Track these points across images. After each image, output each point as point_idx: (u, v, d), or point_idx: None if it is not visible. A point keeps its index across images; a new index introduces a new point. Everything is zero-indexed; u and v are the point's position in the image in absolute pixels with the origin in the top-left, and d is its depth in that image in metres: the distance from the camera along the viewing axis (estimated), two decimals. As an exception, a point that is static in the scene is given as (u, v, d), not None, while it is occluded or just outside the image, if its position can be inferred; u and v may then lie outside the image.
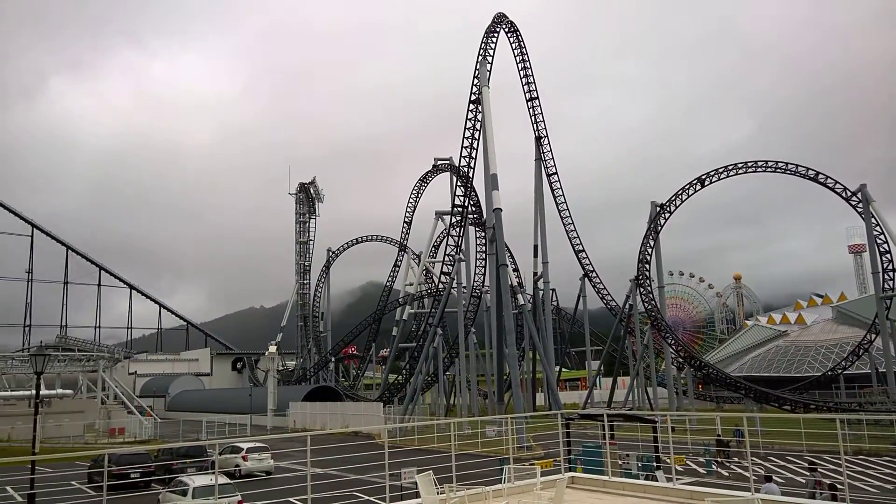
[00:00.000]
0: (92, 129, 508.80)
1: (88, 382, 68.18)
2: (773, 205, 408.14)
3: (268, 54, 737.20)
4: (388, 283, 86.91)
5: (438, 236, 79.02)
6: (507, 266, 48.03)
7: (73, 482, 27.70)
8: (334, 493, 21.22)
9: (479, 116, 51.49)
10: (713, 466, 27.34)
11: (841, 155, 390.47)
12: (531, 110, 61.23)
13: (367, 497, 21.00)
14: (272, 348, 71.68)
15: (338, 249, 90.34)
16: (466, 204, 54.83)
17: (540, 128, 61.28)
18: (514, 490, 11.74)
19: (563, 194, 63.35)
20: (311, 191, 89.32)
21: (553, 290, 66.46)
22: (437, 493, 10.94)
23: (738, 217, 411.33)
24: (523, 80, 60.79)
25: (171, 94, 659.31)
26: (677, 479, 12.49)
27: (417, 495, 11.17)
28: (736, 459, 29.14)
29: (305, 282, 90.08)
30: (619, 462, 18.98)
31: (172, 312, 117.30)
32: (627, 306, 58.78)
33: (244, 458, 29.23)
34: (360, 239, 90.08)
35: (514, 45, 60.22)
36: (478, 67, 52.86)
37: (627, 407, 56.77)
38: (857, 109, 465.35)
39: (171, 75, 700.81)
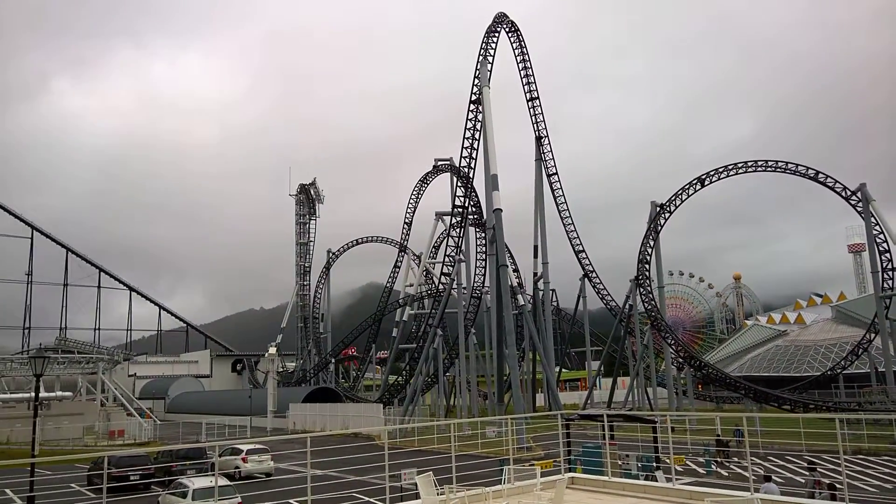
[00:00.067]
0: (92, 130, 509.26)
1: (88, 384, 68.15)
2: (773, 204, 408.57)
3: (269, 56, 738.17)
4: (388, 284, 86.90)
5: (438, 237, 79.03)
6: (508, 266, 48.03)
7: (72, 484, 27.69)
8: (334, 494, 21.22)
9: (480, 117, 51.50)
10: (713, 466, 27.34)
11: (840, 154, 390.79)
12: (531, 110, 61.28)
13: (367, 498, 21.00)
14: (272, 350, 71.68)
15: (338, 251, 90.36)
16: (467, 204, 54.84)
17: (540, 128, 61.33)
18: (514, 491, 11.74)
19: (564, 194, 63.44)
20: (312, 192, 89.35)
21: (553, 290, 66.57)
22: (438, 494, 10.93)
23: (737, 217, 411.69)
24: (524, 80, 60.85)
25: (172, 95, 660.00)
26: (677, 479, 12.49)
27: (417, 496, 11.16)
28: (735, 459, 29.14)
29: (305, 283, 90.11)
30: (619, 462, 18.99)
31: (172, 314, 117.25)
32: (627, 306, 58.79)
33: (244, 460, 29.22)
34: (360, 240, 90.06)
35: (514, 45, 60.27)
36: (478, 68, 52.89)
37: (627, 407, 56.77)
38: (857, 108, 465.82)
39: (172, 77, 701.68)
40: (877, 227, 48.55)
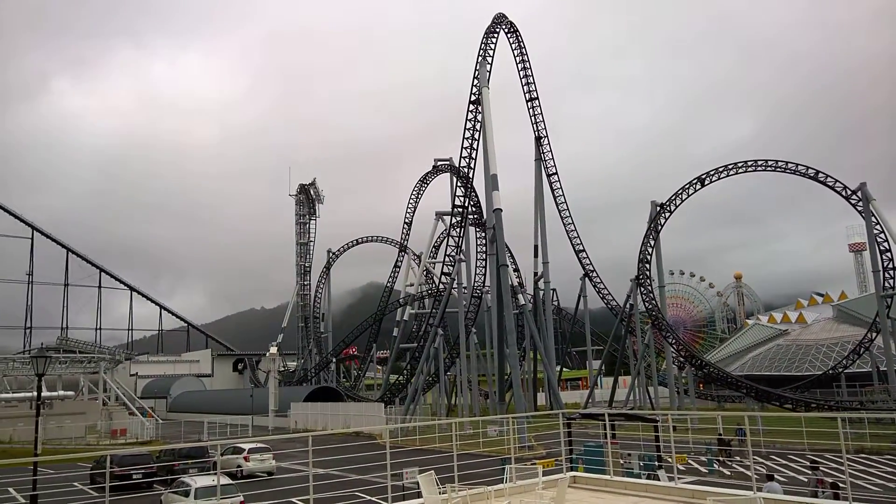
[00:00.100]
0: (92, 130, 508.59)
1: (90, 384, 68.23)
2: (773, 204, 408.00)
3: (269, 56, 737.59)
4: (388, 284, 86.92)
5: (439, 237, 79.07)
6: (508, 266, 48.07)
7: (75, 483, 27.73)
8: (336, 493, 21.22)
9: (479, 117, 51.52)
10: (715, 465, 27.35)
11: (840, 154, 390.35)
12: (531, 111, 61.29)
13: (369, 497, 21.02)
14: (273, 349, 71.74)
15: (338, 250, 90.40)
16: (467, 204, 54.86)
17: (540, 128, 61.35)
18: (515, 490, 11.75)
19: (564, 194, 63.46)
20: (312, 192, 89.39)
21: (554, 289, 66.57)
22: (439, 493, 10.95)
23: (738, 216, 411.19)
24: (523, 80, 60.86)
25: (172, 95, 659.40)
26: (679, 478, 12.50)
27: (419, 495, 11.19)
28: (738, 458, 29.15)
29: (306, 283, 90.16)
30: (621, 461, 19.00)
31: (173, 314, 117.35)
32: (628, 306, 58.80)
33: (246, 459, 29.25)
34: (360, 240, 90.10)
35: (513, 46, 60.29)
36: (477, 68, 52.90)
37: (629, 406, 56.78)
38: (857, 108, 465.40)
39: (172, 77, 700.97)
40: (877, 227, 48.55)
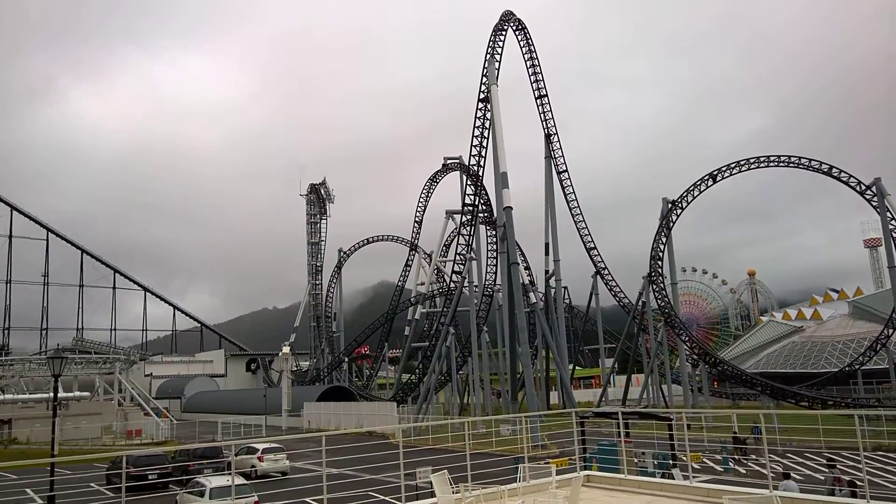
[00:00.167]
0: (105, 134, 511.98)
1: (105, 384, 68.83)
2: (787, 199, 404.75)
3: (276, 58, 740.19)
4: (399, 283, 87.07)
5: (449, 235, 79.08)
6: (519, 264, 47.96)
7: (91, 484, 27.98)
8: (350, 492, 21.27)
9: (488, 115, 51.43)
10: (730, 464, 27.14)
11: (855, 147, 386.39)
12: (540, 108, 61.08)
13: (382, 497, 21.04)
14: (286, 349, 72.05)
15: (349, 250, 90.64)
16: (477, 203, 54.80)
17: (549, 125, 61.11)
18: (529, 489, 11.71)
19: (574, 191, 63.18)
20: (322, 192, 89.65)
21: (565, 287, 66.34)
22: (453, 493, 10.93)
23: (750, 212, 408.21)
24: (532, 77, 60.66)
25: (184, 98, 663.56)
26: (694, 476, 12.41)
27: (433, 495, 11.17)
28: (753, 457, 28.93)
29: (317, 282, 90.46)
30: (635, 460, 18.90)
31: (186, 314, 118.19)
32: (640, 303, 58.51)
33: (260, 459, 29.38)
34: (371, 239, 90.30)
35: (522, 43, 60.09)
36: (486, 66, 52.80)
37: (642, 405, 56.51)
38: (871, 100, 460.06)
39: (184, 80, 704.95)
40: (893, 222, 48.00)
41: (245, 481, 21.80)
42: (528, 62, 60.56)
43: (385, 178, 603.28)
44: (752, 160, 52.53)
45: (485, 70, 52.83)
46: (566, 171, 62.57)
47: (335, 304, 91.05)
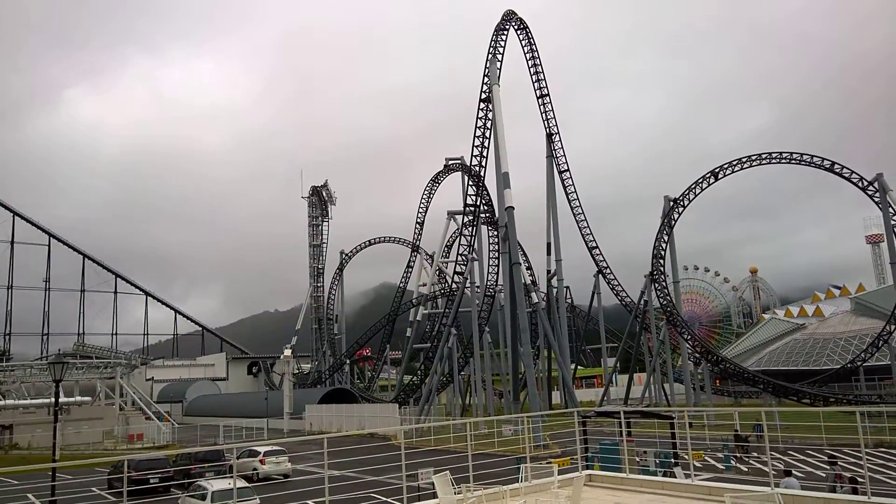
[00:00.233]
0: (105, 137, 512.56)
1: (106, 389, 68.85)
2: (788, 196, 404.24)
3: (276, 59, 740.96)
4: (401, 284, 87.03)
5: (451, 236, 79.04)
6: (521, 264, 48.00)
7: (93, 488, 27.97)
8: (352, 494, 21.27)
9: (490, 115, 51.42)
10: (732, 462, 27.10)
11: (856, 145, 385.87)
12: (542, 107, 61.07)
13: (384, 498, 21.02)
14: (287, 352, 71.98)
15: (351, 251, 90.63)
16: (478, 203, 54.78)
17: (551, 125, 61.11)
18: (531, 489, 11.68)
19: (576, 191, 63.20)
20: (324, 194, 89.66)
21: (567, 287, 66.28)
22: (455, 494, 10.91)
23: (752, 209, 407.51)
24: (534, 76, 60.65)
25: (184, 102, 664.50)
26: (696, 475, 12.38)
27: (435, 496, 11.14)
28: (755, 454, 28.88)
29: (319, 285, 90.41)
30: (637, 459, 18.85)
31: (188, 318, 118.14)
32: (642, 302, 58.47)
33: (262, 462, 29.36)
34: (372, 241, 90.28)
35: (523, 42, 60.09)
36: (487, 66, 52.81)
37: (644, 404, 56.46)
38: (872, 98, 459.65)
39: (184, 84, 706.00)
40: (895, 218, 47.91)
41: (247, 484, 21.79)
42: (529, 61, 60.58)
43: (386, 179, 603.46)
44: (753, 157, 52.50)
45: (486, 70, 52.82)
46: (568, 170, 62.58)
47: (337, 307, 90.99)
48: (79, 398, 61.28)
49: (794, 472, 17.69)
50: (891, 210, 47.71)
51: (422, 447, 35.38)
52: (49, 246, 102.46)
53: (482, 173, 53.74)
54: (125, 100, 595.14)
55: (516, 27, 58.81)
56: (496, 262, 55.47)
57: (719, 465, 26.83)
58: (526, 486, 11.82)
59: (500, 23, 56.03)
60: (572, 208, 63.31)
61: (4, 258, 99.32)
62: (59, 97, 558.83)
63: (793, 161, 51.06)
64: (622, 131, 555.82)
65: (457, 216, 72.96)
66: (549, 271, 62.75)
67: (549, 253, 62.23)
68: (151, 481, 26.62)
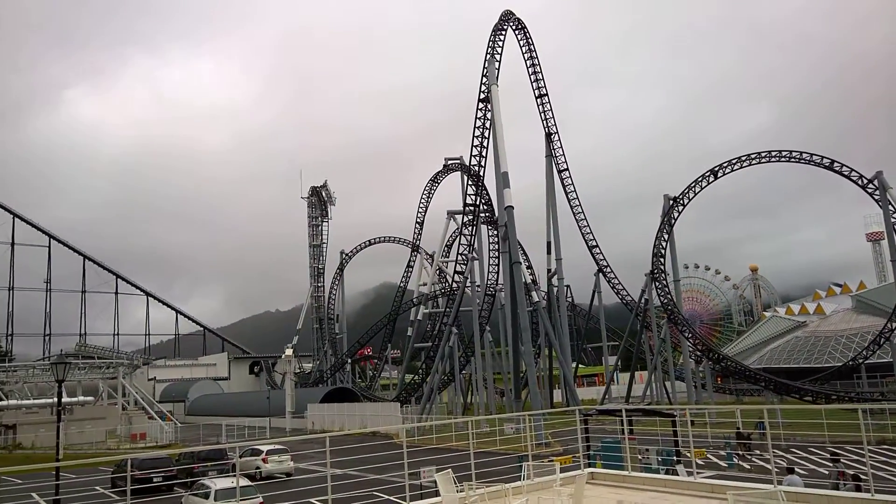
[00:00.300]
0: (105, 138, 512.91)
1: (109, 389, 68.97)
2: (788, 194, 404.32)
3: (276, 59, 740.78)
4: (401, 284, 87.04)
5: (451, 236, 79.03)
6: (521, 263, 48.01)
7: (97, 487, 28.05)
8: (354, 493, 21.32)
9: (489, 115, 51.40)
10: (734, 460, 27.13)
11: (855, 145, 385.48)
12: (541, 107, 61.00)
13: (386, 497, 21.06)
14: (289, 351, 72.08)
15: (351, 251, 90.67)
16: (478, 202, 54.77)
17: (550, 124, 61.05)
18: (533, 487, 11.72)
19: (575, 190, 63.14)
20: (323, 194, 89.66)
21: (567, 286, 66.25)
22: (457, 492, 10.94)
23: (752, 208, 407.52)
24: (532, 76, 60.59)
25: (184, 102, 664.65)
26: (698, 472, 12.41)
27: (437, 494, 11.18)
28: (757, 452, 28.90)
29: (320, 284, 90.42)
30: (639, 457, 18.91)
31: (189, 318, 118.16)
32: (643, 301, 58.47)
33: (264, 461, 29.44)
34: (372, 240, 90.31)
35: (521, 42, 60.04)
36: (486, 66, 52.78)
37: (646, 402, 56.48)
38: (871, 98, 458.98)
39: (184, 84, 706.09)
40: (895, 215, 47.89)
41: (250, 483, 21.82)
42: (528, 61, 60.52)
43: (386, 179, 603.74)
44: (753, 156, 52.46)
45: (485, 70, 52.79)
46: (567, 169, 62.54)
47: (337, 306, 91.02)
48: (81, 398, 61.43)
49: (796, 469, 17.70)
50: (891, 207, 47.66)
51: (424, 446, 35.48)
52: (49, 247, 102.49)
53: (482, 173, 53.75)
54: (125, 100, 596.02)
55: (514, 27, 58.77)
56: (496, 261, 55.48)
57: (722, 463, 26.87)
58: (528, 484, 11.86)
59: (498, 23, 56.00)
60: (572, 207, 63.31)
61: (5, 260, 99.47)
62: (60, 97, 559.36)
63: (792, 160, 51.03)
64: (622, 131, 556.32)
65: (456, 216, 72.95)
66: (549, 270, 62.74)
67: (549, 252, 62.20)
68: (155, 480, 26.69)
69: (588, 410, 19.81)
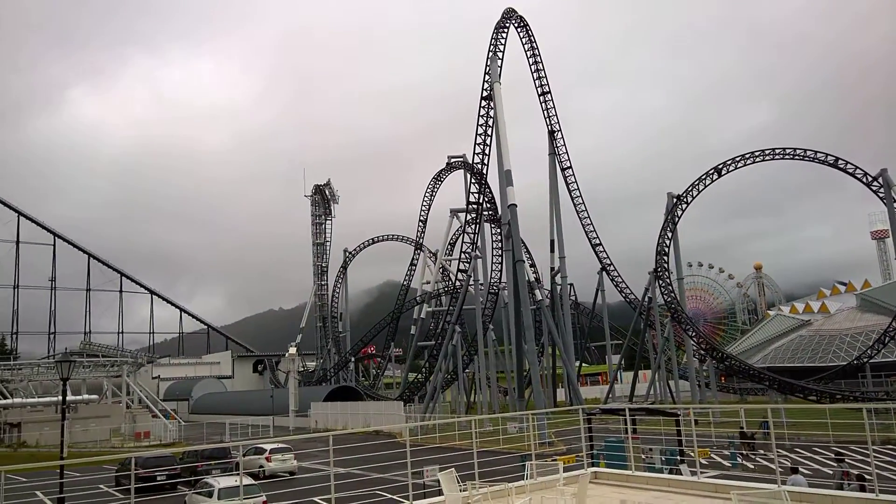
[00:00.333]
0: (105, 138, 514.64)
1: (113, 387, 69.16)
2: (792, 192, 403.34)
3: (276, 59, 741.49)
4: (405, 282, 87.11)
5: (454, 234, 79.04)
6: (524, 262, 47.95)
7: (101, 485, 28.12)
8: (357, 492, 21.33)
9: (492, 113, 51.34)
10: (738, 459, 27.05)
11: (857, 142, 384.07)
12: (543, 105, 60.94)
13: (390, 496, 21.07)
14: (292, 350, 72.18)
15: (354, 250, 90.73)
16: (481, 201, 54.73)
17: (553, 122, 60.99)
18: (536, 486, 11.70)
19: (579, 188, 63.07)
20: (327, 192, 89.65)
21: (571, 284, 66.19)
22: (460, 491, 10.93)
23: (756, 205, 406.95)
24: (535, 74, 60.52)
25: (184, 102, 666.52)
26: (702, 472, 12.38)
27: (440, 493, 11.17)
28: (762, 452, 28.82)
29: (323, 283, 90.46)
30: (643, 456, 18.86)
31: (193, 316, 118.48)
32: (647, 299, 58.33)
33: (268, 459, 29.48)
34: (376, 239, 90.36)
35: (524, 40, 59.97)
36: (488, 64, 52.72)
37: (649, 401, 56.38)
38: (872, 95, 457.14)
39: (184, 84, 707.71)
40: (901, 213, 47.68)
41: (253, 481, 21.85)
42: (530, 59, 60.44)
43: (386, 178, 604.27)
44: (757, 153, 52.28)
45: (487, 68, 52.71)
46: (570, 167, 62.47)
47: (341, 305, 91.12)
48: (86, 396, 61.61)
49: (800, 469, 17.65)
50: (896, 205, 47.49)
51: (427, 444, 35.50)
52: (54, 245, 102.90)
53: (484, 171, 53.71)
54: (125, 100, 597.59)
55: (516, 25, 58.70)
56: (500, 259, 55.40)
57: (725, 463, 26.79)
58: (531, 483, 11.84)
59: (501, 21, 55.91)
60: (575, 205, 63.24)
61: (10, 258, 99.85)
62: (60, 97, 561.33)
63: (797, 157, 50.83)
64: (623, 129, 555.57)
65: (460, 214, 72.90)
66: (552, 268, 62.69)
67: (552, 250, 62.15)
68: (158, 478, 26.77)
69: (591, 409, 19.78)
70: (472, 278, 55.20)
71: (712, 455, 28.18)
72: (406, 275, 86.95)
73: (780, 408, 31.89)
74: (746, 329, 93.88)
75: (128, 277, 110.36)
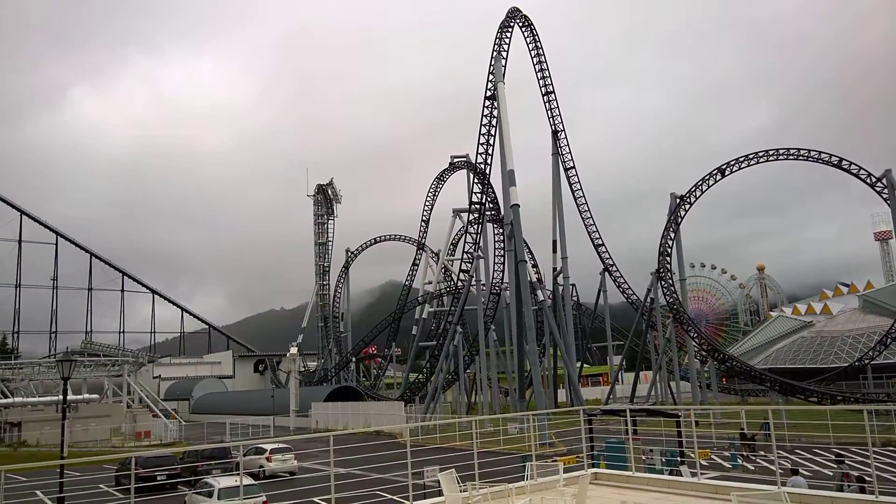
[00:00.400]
0: (106, 138, 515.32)
1: (114, 387, 69.19)
2: (795, 192, 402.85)
3: (276, 59, 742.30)
4: (407, 282, 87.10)
5: (456, 234, 79.07)
6: (526, 262, 47.86)
7: (101, 485, 28.12)
8: (357, 492, 21.31)
9: (495, 112, 51.32)
10: (739, 461, 27.00)
11: (859, 142, 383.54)
12: (547, 104, 60.90)
13: (390, 496, 21.05)
14: (293, 349, 72.19)
15: (356, 250, 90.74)
16: (484, 201, 54.68)
17: (556, 122, 60.93)
18: (537, 487, 11.67)
19: (581, 188, 63.03)
20: (329, 192, 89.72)
21: (573, 285, 66.17)
22: (460, 491, 10.91)
23: (758, 206, 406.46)
24: (538, 74, 60.49)
25: (184, 102, 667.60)
26: (702, 473, 12.34)
27: (440, 493, 11.15)
28: (762, 453, 28.76)
29: (325, 283, 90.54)
30: (643, 457, 18.82)
31: (194, 316, 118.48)
32: (649, 300, 58.24)
33: (268, 459, 29.47)
34: (378, 239, 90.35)
35: (528, 40, 59.95)
36: (492, 63, 52.67)
37: (650, 402, 56.30)
38: (872, 95, 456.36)
39: (184, 84, 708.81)
40: (903, 215, 47.56)
41: (253, 481, 21.84)
42: (534, 58, 60.40)
43: (387, 178, 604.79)
44: (760, 154, 52.20)
45: (491, 68, 52.67)
46: (573, 167, 62.38)
47: (342, 305, 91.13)
48: (87, 396, 61.64)
49: (801, 470, 17.61)
50: (899, 207, 47.33)
51: (427, 445, 35.47)
52: (56, 245, 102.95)
53: (487, 171, 53.68)
54: (125, 100, 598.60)
55: (521, 24, 58.68)
56: (502, 259, 55.37)
57: (726, 464, 26.74)
58: (531, 484, 11.81)
59: (505, 20, 55.88)
60: (578, 206, 63.17)
61: (12, 257, 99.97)
62: (60, 97, 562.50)
63: (800, 157, 50.73)
64: (626, 129, 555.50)
65: (462, 214, 72.89)
66: (554, 269, 62.61)
67: (554, 250, 62.08)
68: (159, 478, 26.78)
69: (592, 410, 19.73)
70: (473, 278, 55.15)
71: (713, 456, 28.13)
72: (408, 275, 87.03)
73: (780, 409, 31.80)
74: (748, 330, 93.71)
75: (129, 277, 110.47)
